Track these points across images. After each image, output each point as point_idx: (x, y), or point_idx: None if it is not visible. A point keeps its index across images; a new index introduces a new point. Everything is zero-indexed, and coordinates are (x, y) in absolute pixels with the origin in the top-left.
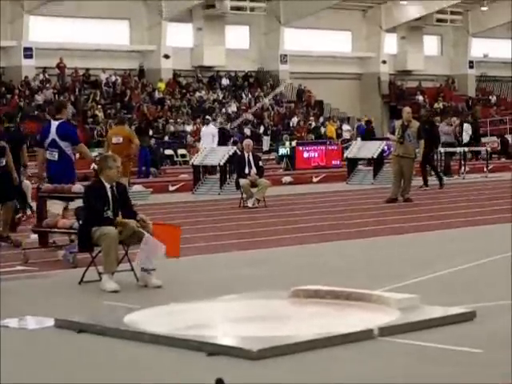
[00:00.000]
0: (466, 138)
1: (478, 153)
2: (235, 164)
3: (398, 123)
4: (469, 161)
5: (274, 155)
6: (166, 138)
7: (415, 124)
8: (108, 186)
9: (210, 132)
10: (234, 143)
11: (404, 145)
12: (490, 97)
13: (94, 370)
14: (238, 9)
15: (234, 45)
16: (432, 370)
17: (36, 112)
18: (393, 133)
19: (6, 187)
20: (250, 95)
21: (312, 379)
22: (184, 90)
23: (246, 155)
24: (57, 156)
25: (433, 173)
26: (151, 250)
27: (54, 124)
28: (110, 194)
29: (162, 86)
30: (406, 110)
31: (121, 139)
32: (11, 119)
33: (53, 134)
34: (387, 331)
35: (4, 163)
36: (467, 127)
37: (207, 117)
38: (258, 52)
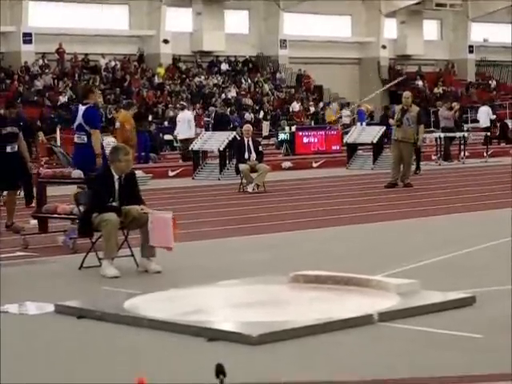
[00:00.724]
0: (485, 121)
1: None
2: (235, 149)
3: (397, 108)
4: (491, 145)
5: (274, 140)
6: (166, 124)
7: (415, 109)
8: (116, 176)
9: (186, 118)
10: (234, 128)
11: (403, 129)
12: (490, 81)
13: (93, 355)
14: None
15: (233, 30)
16: (432, 355)
17: (35, 97)
18: (393, 117)
19: (15, 175)
20: (249, 80)
21: (312, 364)
22: (183, 75)
23: (246, 140)
24: (86, 139)
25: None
26: (161, 225)
27: (81, 109)
28: (117, 184)
29: (161, 71)
30: (406, 94)
31: (118, 124)
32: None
33: (79, 119)
34: (387, 316)
35: (16, 149)
36: (486, 110)
37: (182, 102)
38: (257, 37)
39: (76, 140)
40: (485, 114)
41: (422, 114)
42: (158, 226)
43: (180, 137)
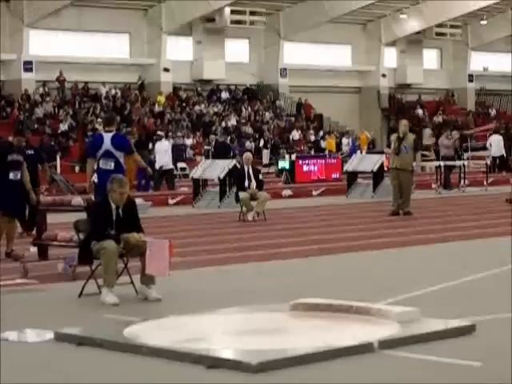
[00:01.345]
0: (499, 149)
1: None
2: (235, 177)
3: (393, 136)
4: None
5: (274, 168)
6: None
7: (411, 136)
8: (114, 206)
9: (163, 148)
10: (234, 156)
11: (400, 157)
12: (490, 110)
13: (93, 383)
14: (238, 22)
15: (233, 58)
16: (432, 382)
17: (36, 125)
18: (388, 146)
19: (17, 203)
20: (249, 109)
21: None
22: (184, 104)
23: (246, 168)
24: (113, 165)
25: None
26: (158, 251)
27: (108, 135)
28: (114, 214)
29: (161, 99)
30: (404, 122)
31: None
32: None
33: (107, 145)
34: (387, 344)
35: (19, 177)
36: (498, 139)
37: (159, 132)
38: (257, 65)
39: (103, 166)
40: (496, 142)
41: (417, 142)
42: (155, 252)
43: (157, 166)
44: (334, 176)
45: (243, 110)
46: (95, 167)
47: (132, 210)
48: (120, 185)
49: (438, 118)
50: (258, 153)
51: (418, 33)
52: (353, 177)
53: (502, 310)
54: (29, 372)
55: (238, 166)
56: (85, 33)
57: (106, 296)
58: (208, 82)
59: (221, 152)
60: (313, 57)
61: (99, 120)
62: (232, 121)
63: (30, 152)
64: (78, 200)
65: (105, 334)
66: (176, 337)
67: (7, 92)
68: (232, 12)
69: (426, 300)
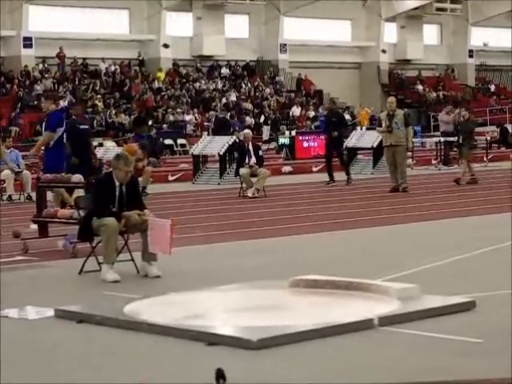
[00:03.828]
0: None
1: None
2: (237, 152)
3: (382, 115)
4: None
5: (274, 145)
6: (165, 128)
7: (400, 112)
8: (118, 183)
9: None
10: (233, 132)
11: (394, 134)
12: (490, 86)
13: (93, 359)
14: None
15: (233, 34)
16: (432, 359)
17: (36, 102)
18: (379, 125)
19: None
20: (249, 84)
21: (312, 369)
22: (183, 80)
23: (246, 145)
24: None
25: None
26: (160, 231)
27: None
28: (117, 191)
29: (161, 75)
30: (390, 99)
31: None
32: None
33: None
34: (387, 321)
35: None
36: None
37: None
38: (257, 41)
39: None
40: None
41: (407, 117)
42: (157, 231)
43: None
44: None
45: (243, 85)
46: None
47: (134, 187)
48: (125, 163)
49: (438, 94)
50: (258, 129)
51: (418, 8)
52: (353, 153)
53: (502, 287)
54: (29, 349)
55: (238, 141)
56: (84, 9)
57: (107, 273)
58: (208, 57)
59: (221, 128)
60: (313, 32)
61: (99, 97)
62: (232, 97)
63: None
64: (77, 177)
65: (105, 310)
66: (176, 314)
67: (7, 68)
68: None
69: (426, 276)
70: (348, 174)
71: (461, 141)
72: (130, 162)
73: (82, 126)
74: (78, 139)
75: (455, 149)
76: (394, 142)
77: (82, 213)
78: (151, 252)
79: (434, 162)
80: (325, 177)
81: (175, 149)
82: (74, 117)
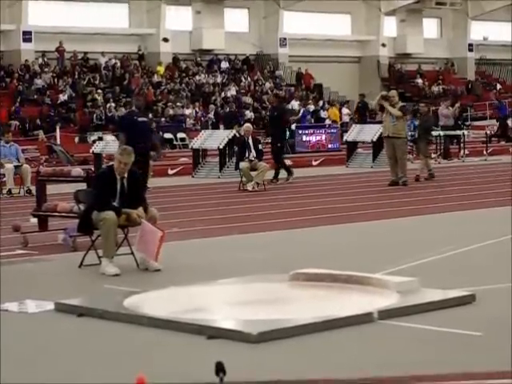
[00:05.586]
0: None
1: None
2: (237, 145)
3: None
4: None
5: None
6: (164, 121)
7: (399, 104)
8: (119, 176)
9: None
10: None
11: (392, 125)
12: (492, 82)
13: (93, 353)
14: None
15: (233, 28)
16: (431, 352)
17: (35, 96)
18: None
19: None
20: (249, 78)
21: (311, 362)
22: (183, 74)
23: (246, 138)
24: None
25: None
26: (150, 236)
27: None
28: (119, 185)
29: (161, 69)
30: (393, 93)
31: None
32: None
33: None
34: (387, 314)
35: None
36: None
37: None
38: (257, 35)
39: None
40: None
41: (402, 107)
42: (148, 234)
43: None
44: (333, 146)
45: (243, 79)
46: None
47: (136, 181)
48: (121, 154)
49: (438, 88)
50: (257, 123)
51: (418, 2)
52: (353, 146)
53: (501, 280)
54: (29, 343)
55: (238, 135)
56: (84, 3)
57: (106, 266)
58: (207, 51)
59: (228, 122)
60: (312, 26)
61: (99, 91)
62: (232, 91)
63: None
64: (77, 170)
65: (105, 304)
66: (176, 307)
67: (6, 62)
68: None
69: (425, 270)
70: (287, 169)
71: (416, 136)
72: (126, 154)
73: (140, 119)
74: (133, 131)
75: (411, 143)
76: (392, 134)
77: (81, 206)
78: (136, 250)
79: (433, 155)
80: (323, 170)
81: (175, 143)
82: (133, 108)
